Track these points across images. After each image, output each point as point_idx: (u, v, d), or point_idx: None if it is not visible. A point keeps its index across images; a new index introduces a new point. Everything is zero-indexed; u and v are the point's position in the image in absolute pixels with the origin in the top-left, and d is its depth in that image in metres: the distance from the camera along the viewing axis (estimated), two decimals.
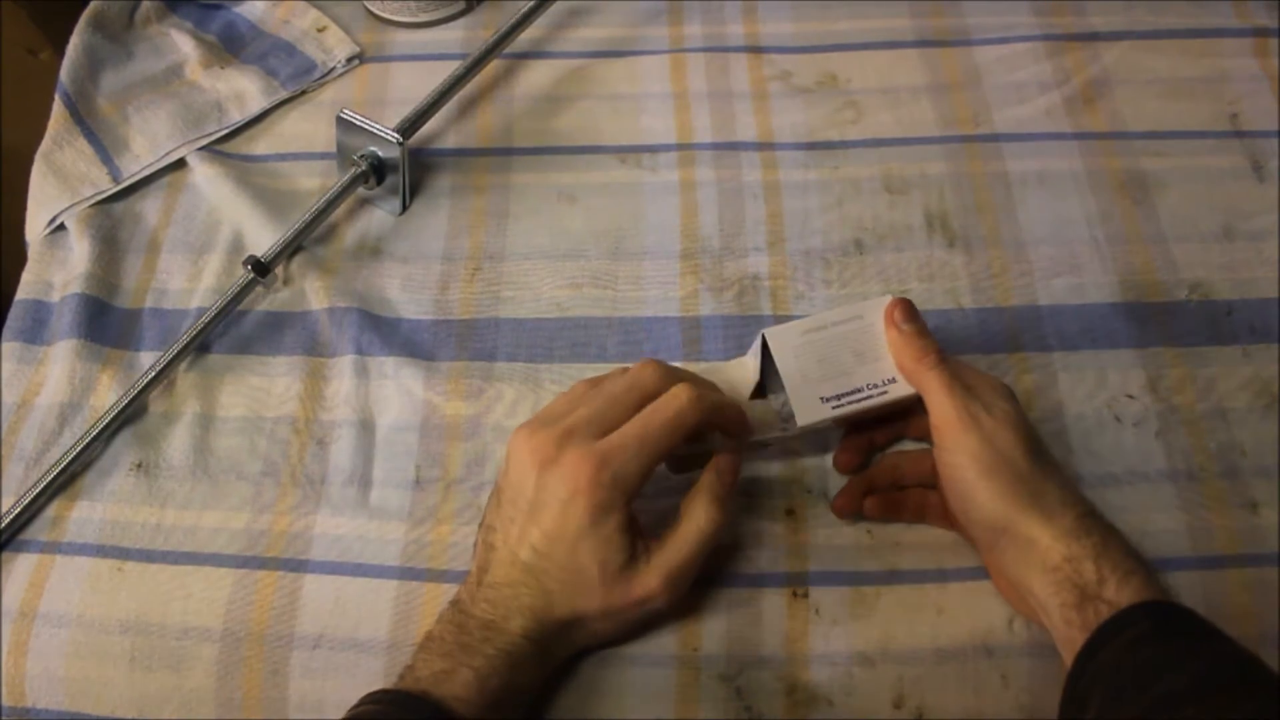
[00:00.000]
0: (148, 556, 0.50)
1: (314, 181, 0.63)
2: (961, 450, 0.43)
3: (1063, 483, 0.43)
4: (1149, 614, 0.38)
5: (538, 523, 0.42)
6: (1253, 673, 0.36)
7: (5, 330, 0.58)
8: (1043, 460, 0.43)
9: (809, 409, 0.46)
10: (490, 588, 0.42)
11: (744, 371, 0.49)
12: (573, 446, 0.41)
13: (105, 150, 0.64)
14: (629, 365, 0.45)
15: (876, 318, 0.47)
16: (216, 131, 0.65)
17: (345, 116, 0.59)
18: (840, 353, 0.46)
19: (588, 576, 0.41)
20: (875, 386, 0.46)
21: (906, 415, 0.49)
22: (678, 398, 0.42)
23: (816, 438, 0.50)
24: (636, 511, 0.43)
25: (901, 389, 0.46)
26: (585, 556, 0.41)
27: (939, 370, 0.44)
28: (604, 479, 0.41)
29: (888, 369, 0.46)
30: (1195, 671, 0.36)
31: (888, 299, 0.47)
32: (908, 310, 0.46)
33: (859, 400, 0.46)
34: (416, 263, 0.59)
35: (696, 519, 0.43)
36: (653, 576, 0.42)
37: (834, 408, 0.46)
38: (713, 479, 0.44)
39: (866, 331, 0.47)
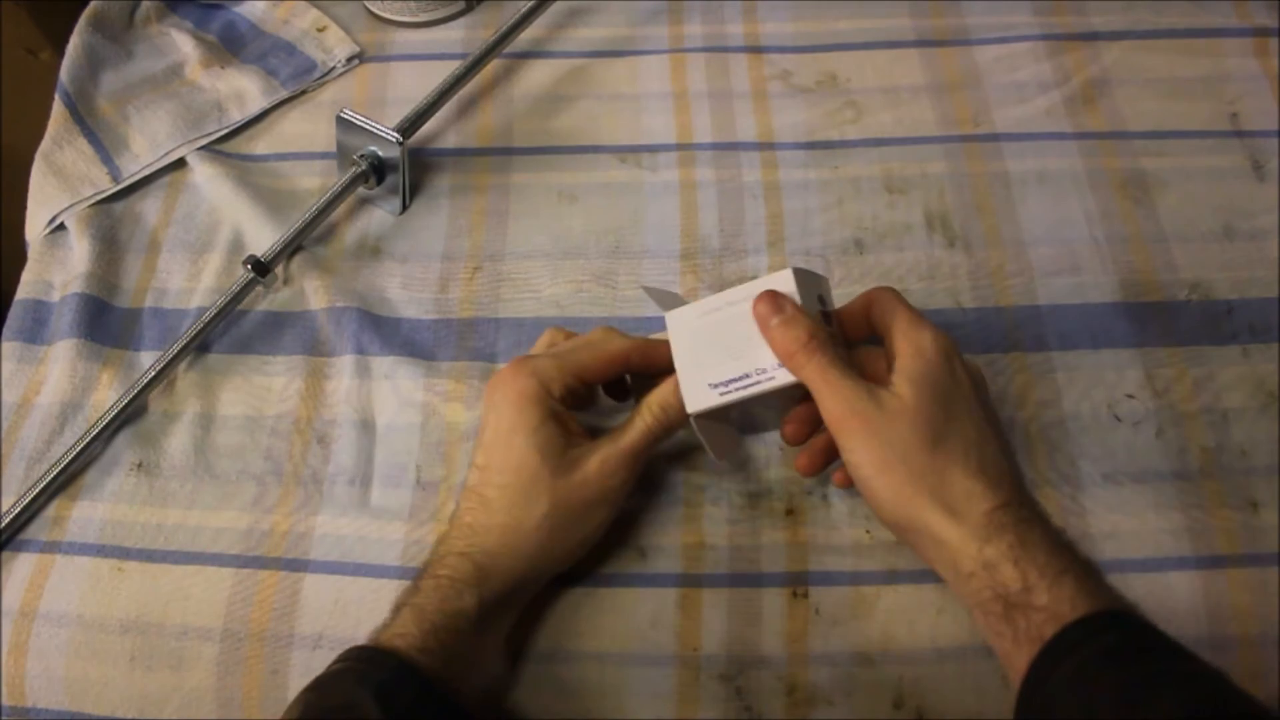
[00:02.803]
0: (148, 556, 0.50)
1: (314, 181, 0.63)
2: (851, 449, 0.40)
3: (979, 468, 0.39)
4: (1107, 628, 0.35)
5: (480, 440, 0.44)
6: (1230, 699, 0.33)
7: (5, 330, 0.58)
8: (954, 445, 0.40)
9: (698, 395, 0.44)
10: (445, 525, 0.44)
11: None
12: (505, 365, 0.45)
13: (105, 150, 0.64)
14: None
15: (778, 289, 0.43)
16: (216, 131, 0.65)
17: (345, 116, 0.59)
18: (733, 335, 0.43)
19: (529, 468, 0.42)
20: (762, 372, 0.42)
21: (873, 313, 0.44)
22: (606, 331, 0.46)
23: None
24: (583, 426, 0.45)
25: (782, 377, 0.42)
26: (521, 448, 0.43)
27: (815, 363, 0.41)
28: (524, 371, 0.44)
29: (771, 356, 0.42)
30: (1175, 703, 0.33)
31: (788, 272, 0.43)
32: (771, 304, 0.42)
33: (746, 387, 0.43)
34: (416, 262, 0.59)
35: (642, 415, 0.44)
36: (595, 462, 0.43)
37: (721, 394, 0.43)
38: (663, 387, 0.45)
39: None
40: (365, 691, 0.37)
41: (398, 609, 0.42)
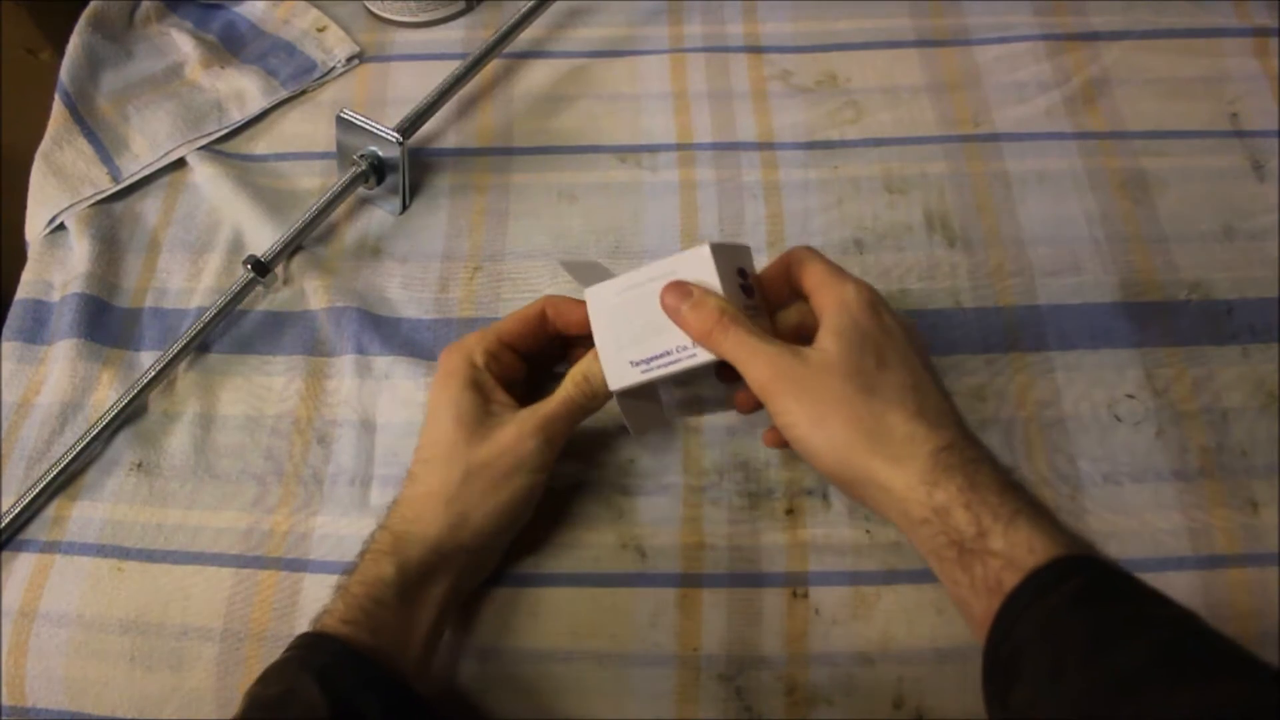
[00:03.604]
0: (148, 556, 0.50)
1: (314, 181, 0.63)
2: (782, 411, 0.39)
3: (917, 410, 0.38)
4: (1071, 572, 0.34)
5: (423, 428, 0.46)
6: (1205, 641, 0.32)
7: (5, 330, 0.58)
8: (887, 391, 0.39)
9: (619, 373, 0.43)
10: None
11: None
12: None
13: (105, 150, 0.64)
14: None
15: (688, 271, 0.42)
16: (216, 131, 0.65)
17: (345, 116, 0.59)
18: (654, 311, 0.42)
19: (447, 438, 0.43)
20: (683, 349, 0.42)
21: (796, 273, 0.44)
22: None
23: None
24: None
25: (701, 354, 0.42)
26: (442, 421, 0.44)
27: (731, 337, 0.40)
28: (451, 350, 0.46)
29: None
30: (1146, 643, 0.32)
31: (705, 249, 0.42)
32: (677, 293, 0.42)
33: (668, 364, 0.42)
34: (416, 262, 0.59)
35: (565, 385, 0.45)
36: (510, 428, 0.44)
37: (643, 371, 0.43)
38: (586, 358, 0.45)
39: None
40: (308, 676, 0.37)
41: (334, 591, 0.42)
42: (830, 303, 0.41)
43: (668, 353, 0.42)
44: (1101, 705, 0.31)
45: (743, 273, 0.44)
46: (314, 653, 0.39)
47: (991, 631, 0.35)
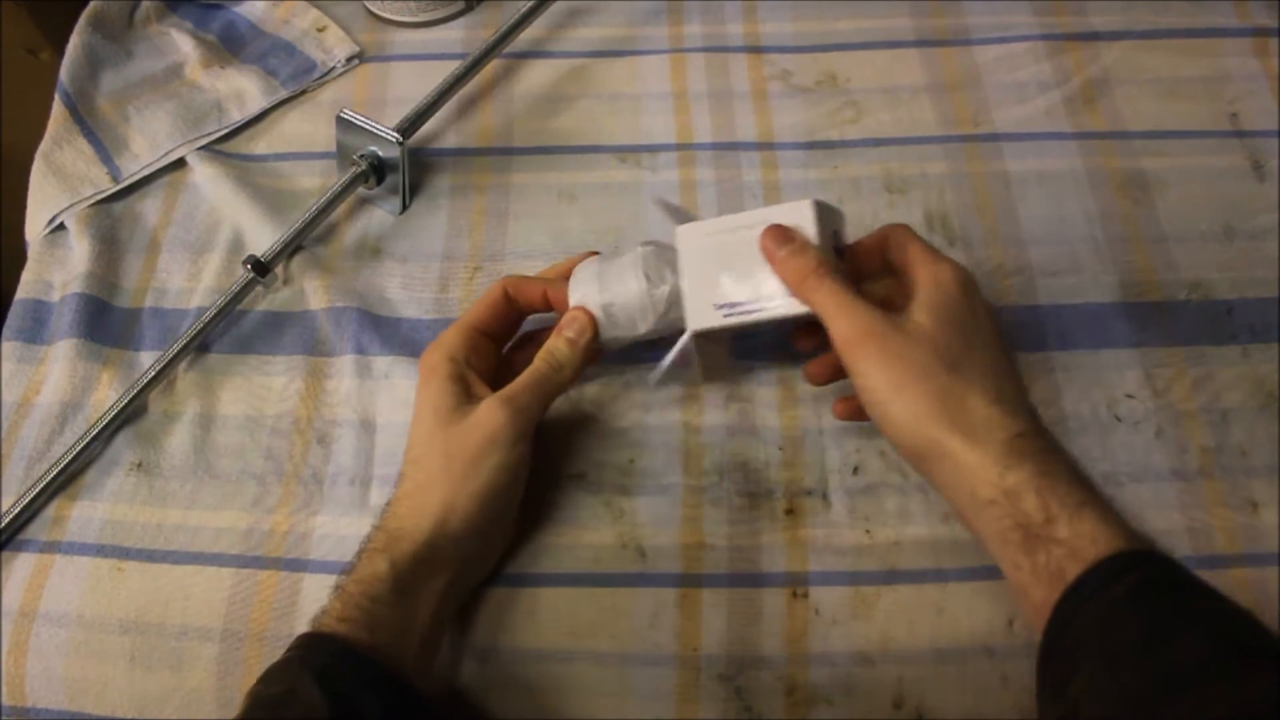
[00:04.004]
0: (148, 556, 0.50)
1: (314, 181, 0.63)
2: (864, 373, 0.39)
3: (997, 396, 0.39)
4: (1132, 566, 0.35)
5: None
6: (1259, 638, 0.33)
7: (5, 330, 0.58)
8: (971, 372, 0.39)
9: (700, 314, 0.44)
10: None
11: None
12: None
13: (105, 150, 0.64)
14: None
15: (786, 222, 0.43)
16: (216, 131, 0.65)
17: (345, 116, 0.59)
18: (743, 258, 0.43)
19: (428, 431, 0.44)
20: (770, 298, 0.42)
21: (890, 246, 0.44)
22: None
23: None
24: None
25: (788, 306, 0.42)
26: (423, 415, 0.45)
27: (826, 287, 0.40)
28: (430, 347, 0.47)
29: (779, 283, 0.42)
30: (1201, 639, 0.32)
31: (807, 203, 0.42)
32: (777, 235, 0.42)
33: (751, 312, 0.42)
34: (416, 262, 0.59)
35: (534, 362, 0.46)
36: (479, 407, 0.44)
37: (725, 315, 0.43)
38: (553, 336, 0.47)
39: None
40: (308, 676, 0.37)
41: (331, 591, 0.42)
42: (926, 279, 0.41)
43: (754, 300, 0.42)
44: (1156, 700, 0.31)
45: (837, 236, 0.44)
46: (314, 653, 0.39)
47: (1050, 621, 0.35)
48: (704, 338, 0.44)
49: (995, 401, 0.39)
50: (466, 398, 0.45)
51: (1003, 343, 0.42)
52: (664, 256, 0.47)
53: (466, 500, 0.43)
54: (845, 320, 0.40)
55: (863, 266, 0.45)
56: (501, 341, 0.50)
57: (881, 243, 0.45)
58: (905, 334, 0.39)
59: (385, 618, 0.40)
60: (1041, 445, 0.38)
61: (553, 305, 0.49)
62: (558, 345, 0.47)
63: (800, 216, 0.42)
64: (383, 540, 0.43)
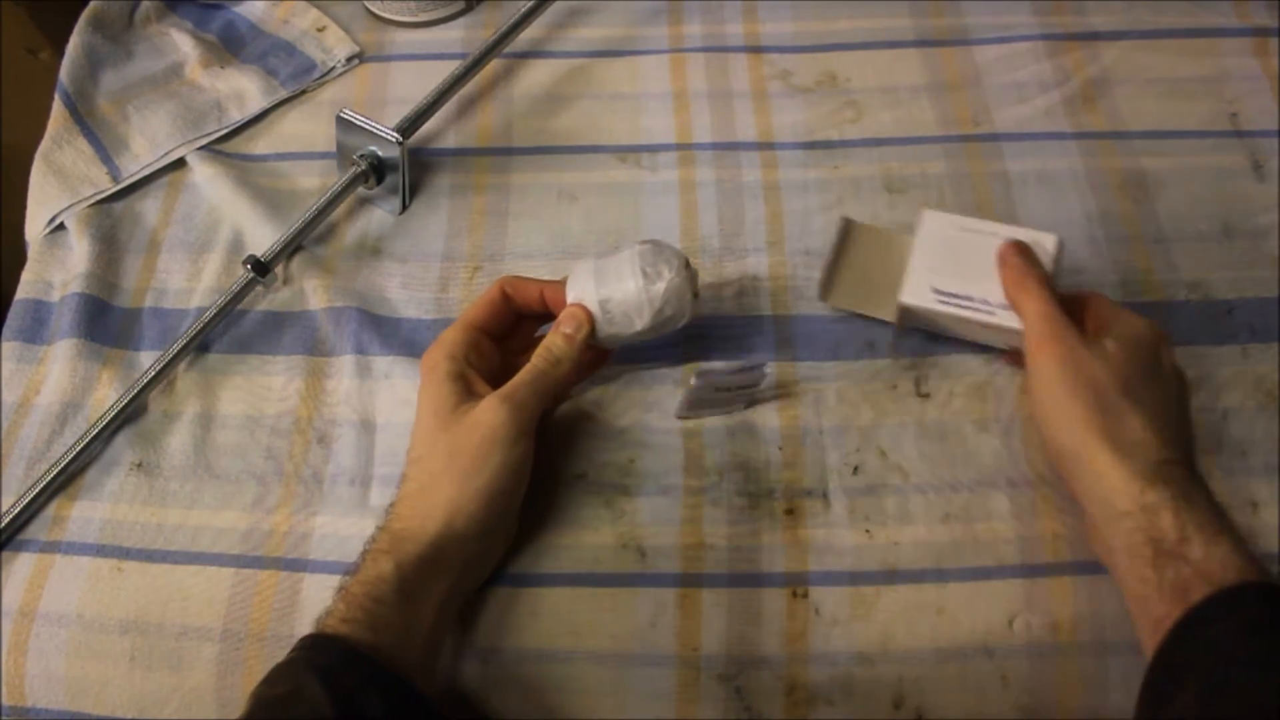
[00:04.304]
0: (148, 556, 0.50)
1: (314, 181, 0.63)
2: (1042, 369, 0.43)
3: (1160, 427, 0.41)
4: (1254, 600, 0.35)
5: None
6: None
7: (5, 330, 0.58)
8: (1140, 401, 0.41)
9: (916, 291, 0.47)
10: None
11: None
12: None
13: (105, 150, 0.64)
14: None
15: (1036, 246, 0.48)
16: (216, 131, 0.65)
17: (345, 116, 0.59)
18: (977, 260, 0.47)
19: (430, 432, 0.44)
20: (986, 303, 0.47)
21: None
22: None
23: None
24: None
25: (1004, 318, 0.46)
26: (424, 414, 0.45)
27: (1037, 292, 0.45)
28: (430, 350, 0.47)
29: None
30: None
31: (1053, 238, 0.48)
32: (1017, 246, 0.47)
33: (965, 307, 0.47)
34: (416, 262, 0.59)
35: (532, 359, 0.47)
36: (478, 405, 0.44)
37: (938, 301, 0.47)
38: (552, 332, 0.47)
39: None
40: (312, 676, 0.37)
41: (335, 593, 0.42)
42: (1123, 324, 0.44)
43: (970, 298, 0.47)
44: None
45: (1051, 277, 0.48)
46: (318, 653, 0.39)
47: (1167, 637, 0.36)
48: (908, 313, 0.48)
49: (1155, 429, 0.41)
50: (467, 396, 0.45)
51: (1186, 404, 0.45)
52: (661, 254, 0.48)
53: (471, 501, 0.43)
54: (1044, 321, 0.44)
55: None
56: (501, 340, 0.50)
57: (1082, 302, 0.48)
58: (1091, 350, 0.43)
59: (389, 619, 0.40)
60: (1186, 474, 0.40)
61: (549, 305, 0.49)
62: (554, 341, 0.47)
63: (1042, 243, 0.48)
64: (387, 541, 0.43)
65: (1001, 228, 0.49)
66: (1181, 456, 0.41)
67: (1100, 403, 0.41)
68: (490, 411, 0.44)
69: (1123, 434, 0.40)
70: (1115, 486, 0.39)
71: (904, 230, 0.53)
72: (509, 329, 0.50)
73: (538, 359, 0.47)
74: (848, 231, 0.51)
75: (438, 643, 0.43)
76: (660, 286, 0.47)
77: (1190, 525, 0.37)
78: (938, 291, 0.47)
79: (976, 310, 0.47)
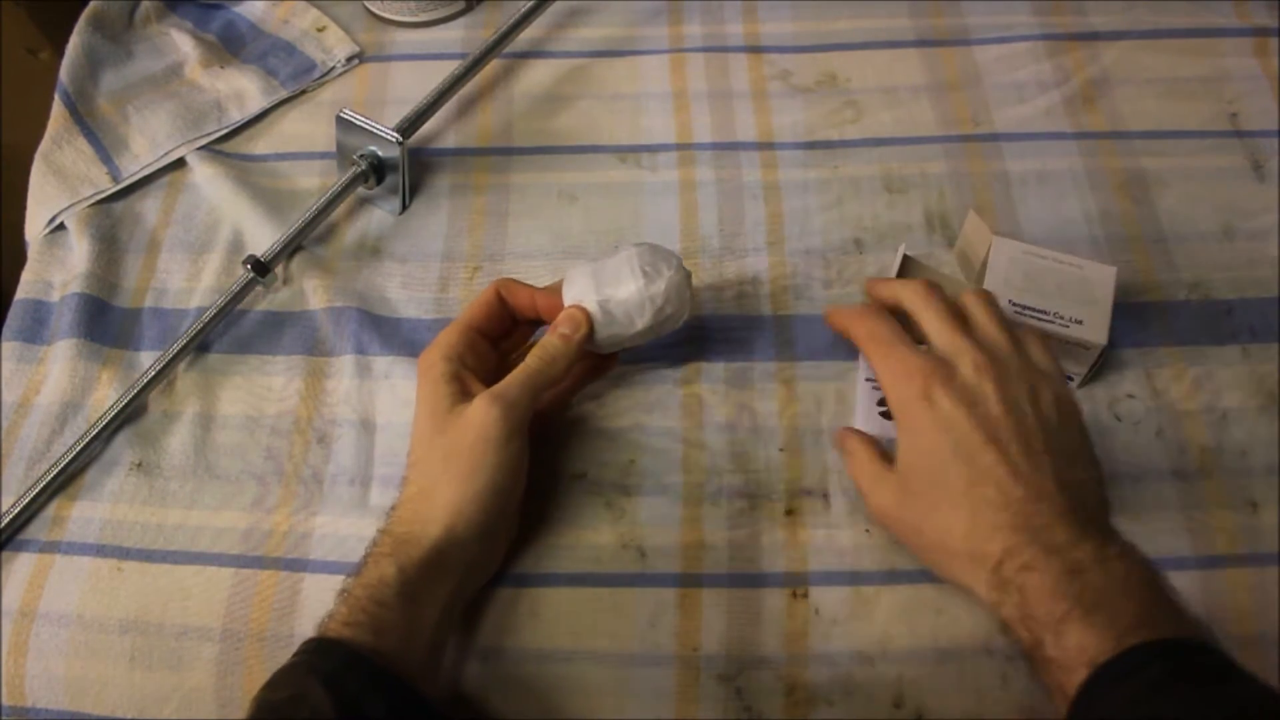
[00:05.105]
0: (148, 556, 0.50)
1: (314, 181, 0.63)
2: (873, 500, 0.45)
3: (970, 527, 0.40)
4: (1159, 655, 0.34)
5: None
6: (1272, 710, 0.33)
7: (5, 330, 0.58)
8: (946, 508, 0.41)
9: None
10: None
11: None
12: None
13: (105, 150, 0.64)
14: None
15: (1094, 275, 0.50)
16: (216, 131, 0.65)
17: (345, 116, 0.59)
18: (1046, 280, 0.49)
19: (427, 435, 0.44)
20: (1061, 318, 0.48)
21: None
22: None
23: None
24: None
25: (1083, 331, 0.48)
26: (420, 417, 0.45)
27: (847, 448, 0.47)
28: (426, 351, 0.47)
29: (1081, 311, 0.49)
30: None
31: (1113, 269, 0.49)
32: (842, 436, 0.48)
33: (1040, 319, 0.48)
34: (416, 262, 0.59)
35: (526, 359, 0.47)
36: (473, 407, 0.44)
37: (1015, 312, 0.49)
38: (549, 333, 0.47)
39: (1079, 280, 0.50)
40: (314, 680, 0.37)
41: (337, 596, 0.42)
42: (895, 404, 0.44)
43: (1046, 310, 0.49)
44: None
45: None
46: (321, 657, 0.39)
47: (1071, 713, 0.36)
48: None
49: (970, 533, 0.40)
50: (462, 397, 0.45)
51: (995, 445, 0.41)
52: (658, 253, 0.48)
53: (470, 503, 0.43)
54: (866, 491, 0.46)
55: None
56: (497, 341, 0.50)
57: (894, 303, 0.47)
58: (901, 476, 0.43)
59: (392, 622, 0.40)
60: (1021, 563, 0.38)
61: (541, 312, 0.49)
62: (550, 340, 0.47)
63: (1103, 276, 0.50)
64: (389, 545, 0.42)
65: (1058, 253, 0.50)
66: (1004, 535, 0.39)
67: (924, 539, 0.42)
68: (481, 411, 0.44)
69: (955, 556, 0.41)
70: (983, 599, 0.40)
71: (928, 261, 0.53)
72: (505, 330, 0.50)
73: (532, 358, 0.47)
74: (906, 266, 0.52)
75: (441, 645, 0.43)
76: (660, 285, 0.47)
77: (1037, 627, 0.37)
78: (1013, 304, 0.49)
79: (1051, 322, 0.48)
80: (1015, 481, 0.40)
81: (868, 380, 0.51)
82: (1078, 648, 0.36)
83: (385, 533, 0.43)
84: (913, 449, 0.42)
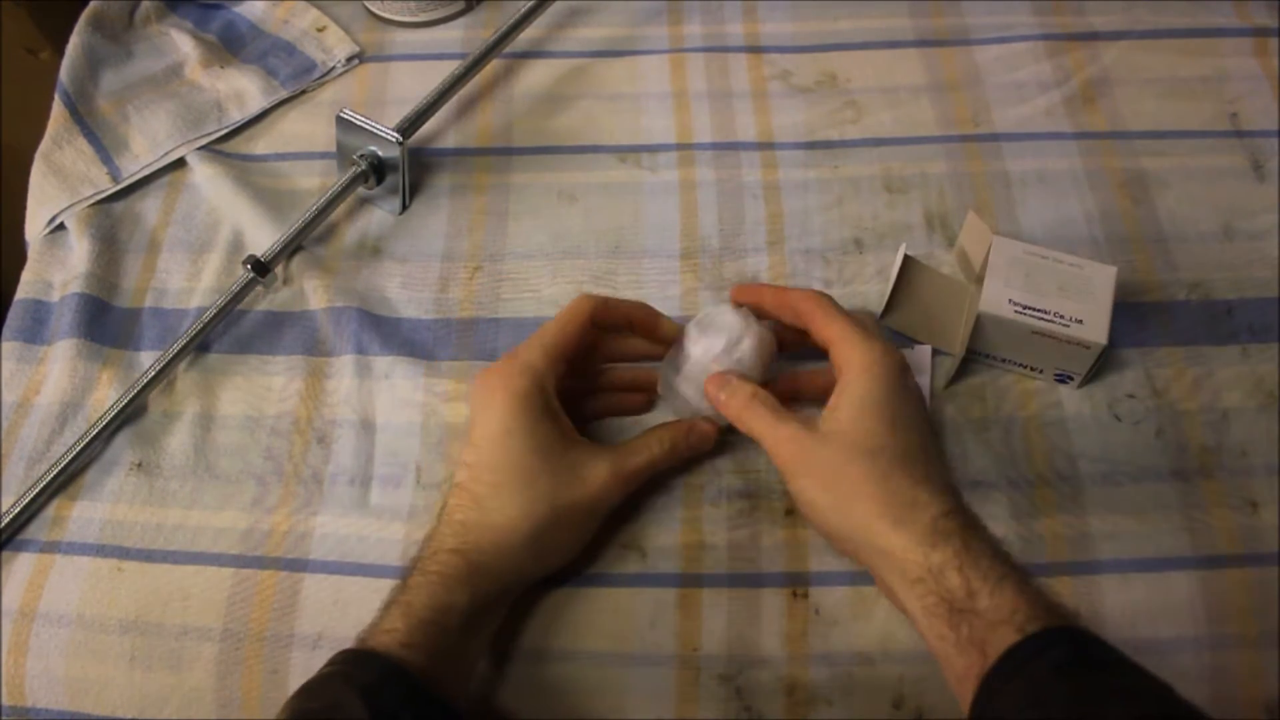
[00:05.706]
0: (147, 556, 0.50)
1: (314, 181, 0.63)
2: (801, 487, 0.42)
3: (923, 476, 0.40)
4: (1055, 643, 0.36)
5: (470, 438, 0.44)
6: (1177, 712, 0.34)
7: (5, 330, 0.58)
8: (895, 456, 0.41)
9: (994, 301, 0.49)
10: (435, 523, 0.44)
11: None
12: (493, 364, 0.45)
13: (105, 150, 0.64)
14: None
15: (1094, 274, 0.49)
16: (216, 131, 0.65)
17: (345, 116, 0.59)
18: (1047, 280, 0.49)
19: (526, 469, 0.43)
20: (1062, 318, 0.48)
21: (811, 326, 0.46)
22: (576, 298, 0.46)
23: None
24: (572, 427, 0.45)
25: (1084, 331, 0.48)
26: (518, 450, 0.43)
27: (763, 414, 0.43)
28: (514, 369, 0.44)
29: (1081, 311, 0.48)
30: (1121, 713, 0.34)
31: (1113, 269, 0.49)
32: (716, 382, 0.45)
33: (1041, 319, 0.48)
34: (416, 262, 0.59)
35: (651, 445, 0.46)
36: (599, 472, 0.43)
37: (1015, 312, 0.48)
38: (682, 426, 0.47)
39: (1079, 279, 0.49)
40: (352, 693, 0.37)
41: (386, 606, 0.41)
42: (855, 366, 0.42)
43: (1047, 311, 0.49)
44: None
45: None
46: (359, 669, 0.38)
47: (978, 693, 0.36)
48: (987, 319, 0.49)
49: (922, 482, 0.40)
50: (560, 436, 0.44)
51: (928, 422, 0.44)
52: (737, 312, 0.48)
53: (558, 556, 0.45)
54: (780, 445, 0.43)
55: (785, 341, 0.48)
56: (575, 365, 0.47)
57: (792, 314, 0.46)
58: (824, 436, 0.42)
59: (449, 648, 0.40)
60: (963, 523, 0.39)
61: (635, 326, 0.48)
62: (678, 440, 0.47)
63: (1104, 275, 0.49)
64: (464, 570, 0.41)
65: (1060, 253, 0.50)
66: (950, 496, 0.40)
67: (857, 480, 0.40)
68: (609, 489, 0.44)
69: (893, 501, 0.40)
70: (903, 557, 0.39)
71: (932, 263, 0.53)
72: (585, 354, 0.48)
73: (660, 451, 0.46)
74: (907, 266, 0.53)
75: (477, 661, 0.44)
76: (755, 328, 0.47)
77: (975, 578, 0.37)
78: (1014, 304, 0.49)
79: (1052, 322, 0.48)
80: (943, 455, 0.43)
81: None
82: (1011, 607, 0.37)
83: (458, 554, 0.42)
84: (869, 409, 0.42)
